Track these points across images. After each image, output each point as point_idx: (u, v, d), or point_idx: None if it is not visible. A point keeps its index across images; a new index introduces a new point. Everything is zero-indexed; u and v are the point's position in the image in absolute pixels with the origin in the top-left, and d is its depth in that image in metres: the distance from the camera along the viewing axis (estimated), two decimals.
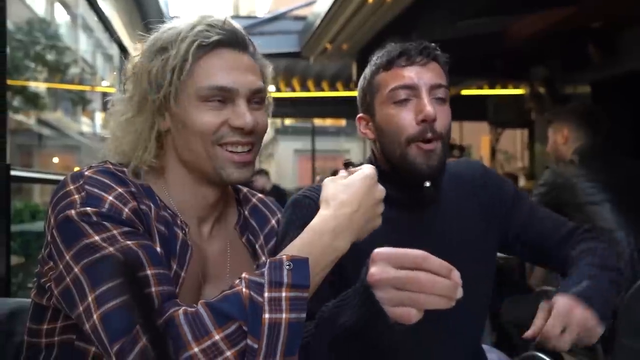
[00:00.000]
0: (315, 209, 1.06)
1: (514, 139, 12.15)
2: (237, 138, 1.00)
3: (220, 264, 1.08)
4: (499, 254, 3.46)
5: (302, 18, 7.83)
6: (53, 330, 0.99)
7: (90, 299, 0.84)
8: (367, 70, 1.20)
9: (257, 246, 1.14)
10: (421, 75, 1.12)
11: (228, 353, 0.78)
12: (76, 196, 0.92)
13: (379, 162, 1.21)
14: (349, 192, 0.90)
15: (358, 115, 1.23)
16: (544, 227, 1.26)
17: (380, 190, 0.91)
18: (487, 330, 1.99)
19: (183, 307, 0.83)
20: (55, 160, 11.91)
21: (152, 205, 0.99)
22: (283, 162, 21.62)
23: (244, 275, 0.83)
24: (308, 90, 9.88)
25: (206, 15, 1.04)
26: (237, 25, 1.06)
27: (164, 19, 1.09)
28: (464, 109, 9.99)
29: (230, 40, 1.02)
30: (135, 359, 0.79)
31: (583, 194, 2.37)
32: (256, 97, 1.03)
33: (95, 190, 0.93)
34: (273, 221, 1.19)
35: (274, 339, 0.79)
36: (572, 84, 6.16)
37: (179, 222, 1.02)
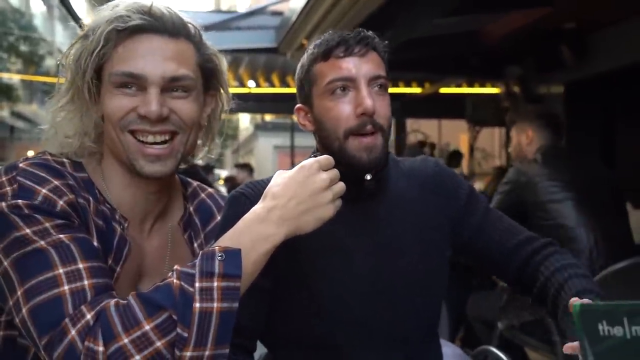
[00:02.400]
0: (250, 205, 1.06)
1: (492, 138, 12.28)
2: (145, 126, 0.98)
3: (158, 260, 1.07)
4: None
5: (280, 13, 7.81)
6: None
7: (19, 292, 0.84)
8: (305, 60, 1.17)
9: (195, 245, 1.14)
10: (359, 66, 1.10)
11: (158, 343, 0.79)
12: (8, 188, 0.91)
13: (320, 153, 1.18)
14: (281, 184, 0.91)
15: (297, 106, 1.21)
16: (498, 231, 1.24)
17: (321, 180, 0.90)
18: (444, 325, 2.02)
19: (115, 299, 0.83)
20: (31, 153, 11.74)
21: (90, 198, 0.99)
22: (262, 157, 21.56)
23: (175, 267, 0.85)
24: (288, 86, 9.86)
25: (133, 1, 1.02)
26: (171, 11, 1.03)
27: None
28: (442, 107, 10.09)
29: (154, 25, 1.00)
30: (63, 352, 0.79)
31: (545, 192, 2.43)
32: (176, 85, 1.00)
33: (28, 182, 0.92)
34: (219, 217, 1.18)
35: (205, 328, 0.79)
36: (546, 84, 6.25)
37: (117, 217, 1.02)
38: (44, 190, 0.91)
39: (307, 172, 0.91)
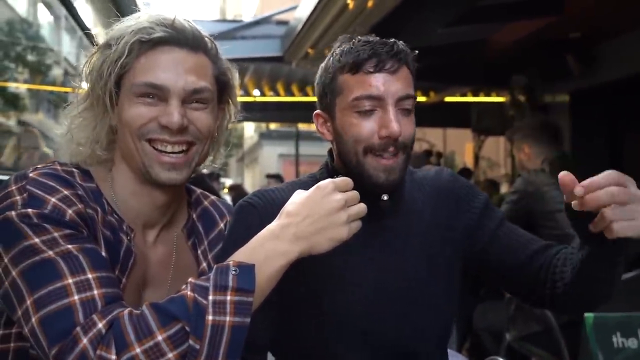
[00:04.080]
0: (257, 215, 1.06)
1: (497, 146, 12.26)
2: (164, 136, 1.00)
3: (163, 269, 1.08)
4: None
5: (285, 22, 7.85)
6: (8, 336, 0.98)
7: (28, 302, 0.84)
8: (330, 65, 1.11)
9: (199, 252, 1.14)
10: (389, 85, 1.05)
11: (170, 355, 0.78)
12: (17, 197, 0.91)
13: (336, 164, 1.16)
14: (297, 202, 0.91)
15: (316, 112, 1.16)
16: (513, 242, 1.18)
17: (336, 200, 0.89)
18: (453, 336, 2.01)
19: (128, 309, 0.83)
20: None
21: (98, 209, 0.99)
22: (267, 166, 21.58)
23: (190, 280, 0.85)
24: (292, 94, 9.89)
25: (156, 13, 1.04)
26: (192, 25, 1.05)
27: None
28: (447, 116, 10.09)
29: (176, 38, 1.01)
30: None
31: (553, 201, 2.42)
32: (196, 97, 1.02)
33: (38, 191, 0.92)
34: (222, 225, 1.19)
35: (217, 341, 0.79)
36: (551, 93, 6.25)
37: (124, 227, 1.02)
38: (53, 200, 0.91)
39: (323, 192, 0.91)
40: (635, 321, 0.69)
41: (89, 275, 0.86)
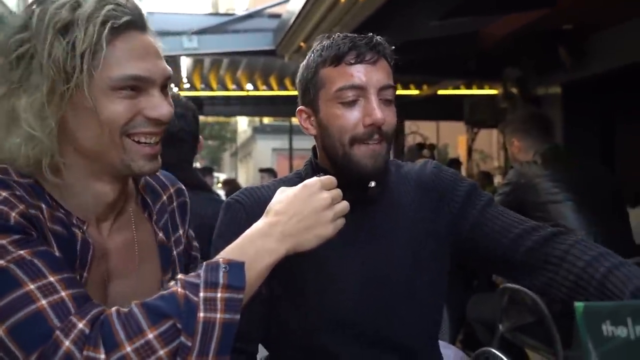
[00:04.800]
0: (244, 212, 1.08)
1: (490, 139, 12.30)
2: (150, 129, 0.93)
3: (127, 257, 1.02)
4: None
5: (278, 16, 7.82)
6: None
7: None
8: (311, 61, 1.14)
9: (153, 222, 1.07)
10: (370, 75, 1.09)
11: (161, 352, 0.77)
12: None
13: (321, 159, 1.19)
14: (284, 201, 0.91)
15: (299, 108, 1.18)
16: (500, 222, 1.17)
17: (322, 199, 0.91)
18: (444, 327, 2.02)
19: (115, 307, 0.81)
20: None
21: (43, 205, 0.90)
22: (261, 160, 21.56)
23: (179, 276, 0.83)
24: (286, 88, 9.86)
25: None
26: (136, 3, 0.94)
27: None
28: (440, 109, 10.11)
29: (138, 21, 0.92)
30: None
31: (545, 193, 2.43)
32: (166, 84, 0.96)
33: None
34: (164, 197, 1.12)
35: (208, 337, 0.79)
36: (544, 85, 6.27)
37: (74, 220, 0.94)
38: None
39: (309, 191, 0.91)
40: (625, 310, 0.70)
41: (51, 279, 0.81)
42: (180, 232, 1.13)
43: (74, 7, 0.87)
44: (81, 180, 0.94)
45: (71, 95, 0.87)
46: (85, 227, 0.95)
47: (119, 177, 0.97)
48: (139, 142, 0.93)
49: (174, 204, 1.13)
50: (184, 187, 1.18)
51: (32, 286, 0.79)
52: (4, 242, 0.81)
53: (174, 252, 1.09)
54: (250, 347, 1.12)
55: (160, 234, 1.07)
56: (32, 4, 0.90)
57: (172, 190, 1.13)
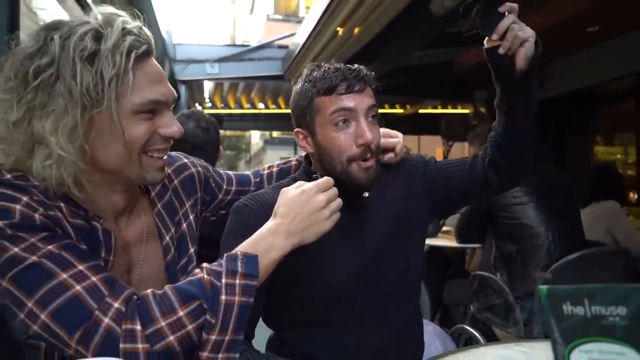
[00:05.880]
0: (252, 215, 1.09)
1: (463, 150, 12.28)
2: (163, 145, 0.92)
3: (142, 247, 1.00)
4: (446, 244, 3.46)
5: (285, 47, 7.85)
6: None
7: (30, 304, 0.76)
8: (306, 90, 1.13)
9: (157, 201, 1.04)
10: (358, 102, 1.10)
11: (189, 327, 0.78)
12: None
13: (317, 170, 1.18)
14: (287, 204, 0.92)
15: (296, 130, 1.17)
16: (453, 169, 1.25)
17: (319, 201, 0.92)
18: (426, 308, 2.01)
19: (150, 289, 0.81)
20: None
21: (62, 204, 0.86)
22: None
23: (204, 265, 0.84)
24: None
25: (123, 18, 0.87)
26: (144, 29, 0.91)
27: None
28: (421, 125, 10.11)
29: (151, 49, 0.90)
30: (101, 340, 0.75)
31: (510, 196, 2.42)
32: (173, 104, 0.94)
33: (1, 203, 0.79)
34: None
35: (228, 316, 0.80)
36: None
37: (91, 215, 0.90)
38: (18, 207, 0.80)
39: (307, 195, 0.91)
40: (582, 292, 0.69)
41: (80, 267, 0.79)
42: (187, 205, 1.09)
43: (97, 37, 0.83)
44: (97, 192, 0.91)
45: (99, 118, 0.84)
46: (102, 221, 0.91)
47: (132, 187, 0.96)
48: (152, 157, 0.91)
49: (175, 182, 1.09)
50: (187, 163, 1.14)
51: (64, 275, 0.77)
52: (33, 239, 0.78)
53: (174, 234, 1.04)
54: (248, 330, 1.12)
55: (157, 220, 1.02)
56: (45, 29, 0.84)
57: (169, 170, 1.09)
